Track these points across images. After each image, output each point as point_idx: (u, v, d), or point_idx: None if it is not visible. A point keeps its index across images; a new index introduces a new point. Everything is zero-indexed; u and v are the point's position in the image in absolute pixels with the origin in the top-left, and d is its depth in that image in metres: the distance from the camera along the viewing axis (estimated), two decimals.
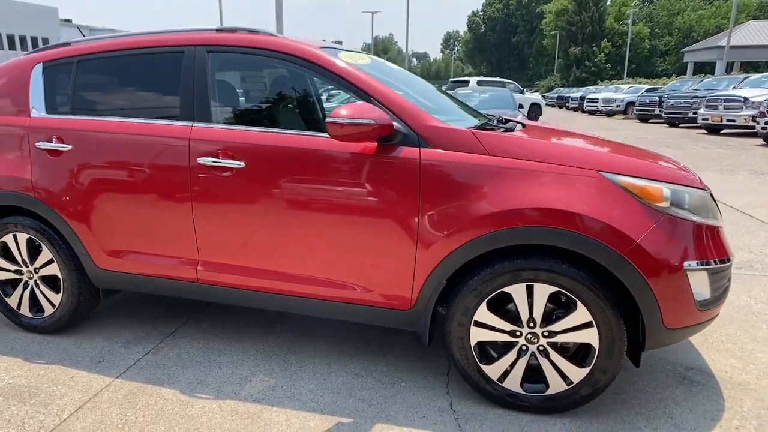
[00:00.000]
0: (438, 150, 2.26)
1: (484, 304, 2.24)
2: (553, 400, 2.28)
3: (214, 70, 2.65)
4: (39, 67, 2.93)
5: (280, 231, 2.47)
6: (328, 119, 2.18)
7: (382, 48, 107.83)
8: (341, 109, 2.18)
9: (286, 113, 2.89)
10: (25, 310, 3.07)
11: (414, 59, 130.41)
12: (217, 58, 2.65)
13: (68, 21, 56.01)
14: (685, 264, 2.09)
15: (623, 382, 2.52)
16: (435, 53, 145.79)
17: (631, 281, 2.07)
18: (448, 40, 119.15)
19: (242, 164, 2.46)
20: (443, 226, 2.21)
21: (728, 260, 2.24)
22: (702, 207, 2.23)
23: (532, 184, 2.16)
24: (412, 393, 2.48)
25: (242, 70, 3.04)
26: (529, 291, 2.18)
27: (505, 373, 2.31)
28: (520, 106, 15.86)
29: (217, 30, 2.73)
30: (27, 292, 3.04)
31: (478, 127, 2.40)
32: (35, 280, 3.02)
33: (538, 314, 2.20)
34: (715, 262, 2.17)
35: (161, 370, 2.68)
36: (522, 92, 20.88)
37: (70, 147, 2.74)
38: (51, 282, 3.00)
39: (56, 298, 2.98)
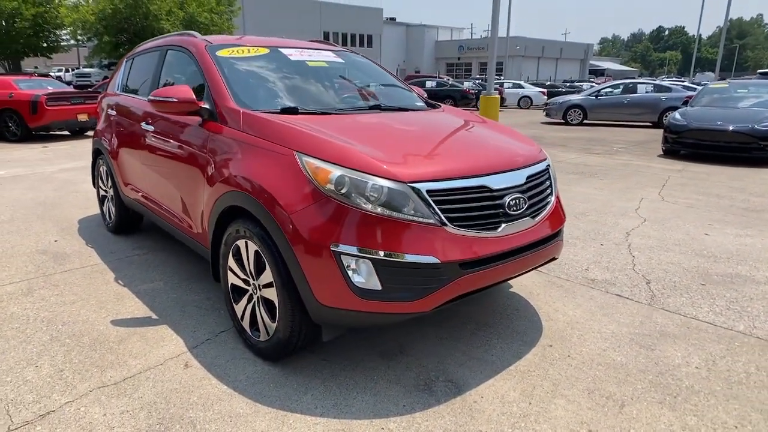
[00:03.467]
0: (221, 125, 2.84)
1: (230, 254, 2.74)
2: (260, 346, 2.64)
3: (166, 58, 3.71)
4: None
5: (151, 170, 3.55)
6: (149, 96, 2.99)
7: (738, 33, 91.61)
8: (160, 89, 2.96)
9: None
10: None
11: None
12: (169, 53, 3.69)
13: (392, 19, 64.89)
14: (334, 246, 2.19)
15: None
16: None
17: (285, 250, 2.32)
18: None
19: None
20: (215, 180, 2.77)
21: (401, 255, 2.18)
22: (391, 201, 2.21)
23: (250, 156, 2.57)
24: (203, 316, 3.13)
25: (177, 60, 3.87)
26: (246, 247, 2.60)
27: (243, 314, 2.76)
28: None
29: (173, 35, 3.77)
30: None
31: (266, 110, 2.83)
32: None
33: (252, 269, 2.61)
34: (378, 253, 2.17)
35: None
36: None
37: None
38: None
39: None
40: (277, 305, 2.43)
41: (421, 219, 2.22)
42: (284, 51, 3.50)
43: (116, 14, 26.04)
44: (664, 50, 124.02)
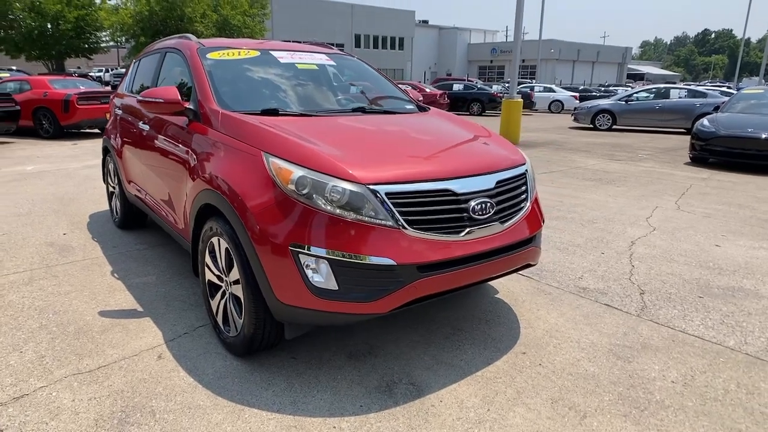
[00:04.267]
0: (203, 125, 2.92)
1: (207, 251, 2.81)
2: (229, 341, 2.70)
3: (164, 61, 3.82)
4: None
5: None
6: (138, 96, 3.09)
7: None
8: (149, 90, 3.07)
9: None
10: None
11: None
12: (167, 56, 3.81)
13: (425, 22, 64.83)
14: (292, 245, 2.23)
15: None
16: None
17: (248, 248, 2.37)
18: None
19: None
20: (195, 178, 2.85)
21: (361, 257, 2.20)
22: (350, 203, 2.23)
23: (225, 156, 2.64)
24: (185, 311, 3.22)
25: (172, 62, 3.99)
26: (219, 244, 2.67)
27: (217, 310, 2.82)
28: None
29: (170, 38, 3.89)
30: None
31: (246, 111, 2.89)
32: None
33: (224, 266, 2.67)
34: (335, 253, 2.20)
35: None
36: None
37: None
38: None
39: None
40: (242, 302, 2.48)
41: (378, 221, 2.24)
42: (275, 53, 3.57)
43: (152, 16, 26.83)
44: (709, 54, 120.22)
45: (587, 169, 9.00)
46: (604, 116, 16.95)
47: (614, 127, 16.96)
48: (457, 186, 2.41)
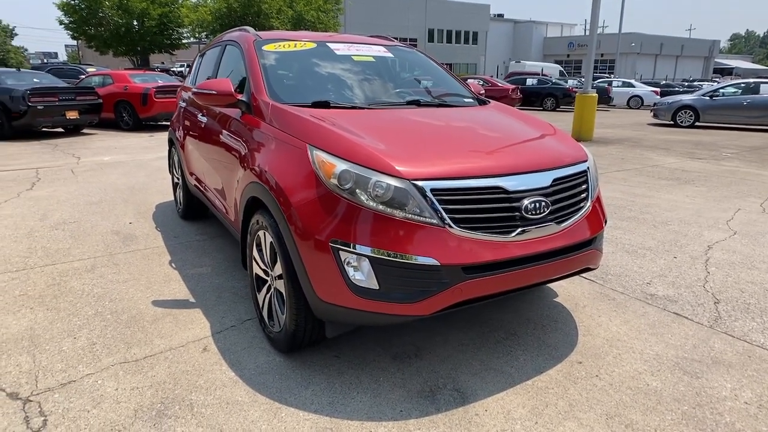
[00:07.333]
0: (255, 117, 2.90)
1: (254, 244, 2.80)
2: (273, 336, 2.67)
3: (224, 53, 3.88)
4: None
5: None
6: (193, 89, 3.12)
7: None
8: (204, 82, 3.09)
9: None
10: None
11: None
12: (227, 48, 3.85)
13: (500, 16, 63.34)
14: (333, 241, 2.15)
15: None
16: None
17: (289, 242, 2.32)
18: None
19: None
20: (245, 170, 2.84)
21: (403, 256, 2.09)
22: (393, 199, 2.13)
23: (272, 148, 2.61)
24: (236, 303, 3.23)
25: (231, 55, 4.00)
26: (264, 238, 2.65)
27: (263, 304, 2.81)
28: None
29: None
30: None
31: (297, 104, 2.85)
32: None
33: (269, 259, 2.64)
34: (377, 251, 2.10)
35: None
36: None
37: None
38: None
39: None
40: (285, 297, 2.45)
41: (423, 218, 2.12)
42: (331, 45, 3.51)
43: (231, 13, 27.79)
44: None
45: (664, 168, 8.43)
46: (686, 112, 15.89)
47: (697, 123, 15.86)
48: (510, 183, 2.25)
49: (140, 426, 2.12)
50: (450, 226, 2.14)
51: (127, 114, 12.50)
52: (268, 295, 2.70)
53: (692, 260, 4.09)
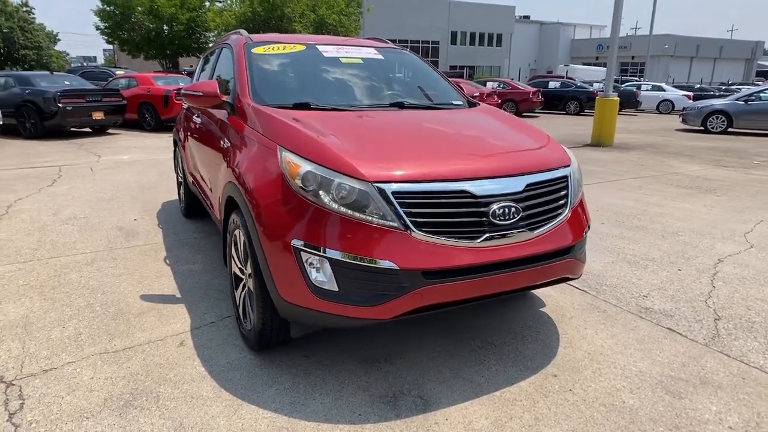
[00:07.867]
0: (237, 118, 2.94)
1: (232, 242, 2.83)
2: (245, 334, 2.69)
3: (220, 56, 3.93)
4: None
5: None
6: (182, 90, 3.18)
7: None
8: (192, 84, 3.14)
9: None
10: None
11: None
12: (222, 51, 3.91)
13: (526, 17, 62.58)
14: (295, 241, 2.15)
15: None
16: None
17: (255, 241, 2.33)
18: None
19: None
20: (226, 170, 2.87)
21: (362, 258, 2.08)
22: (356, 201, 2.12)
23: (249, 149, 2.63)
24: (219, 300, 3.26)
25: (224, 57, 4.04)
26: (239, 237, 2.66)
27: (239, 302, 2.82)
28: None
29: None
30: None
31: (277, 105, 2.87)
32: None
33: (243, 258, 2.66)
34: (336, 253, 2.09)
35: None
36: None
37: None
38: None
39: None
40: (254, 296, 2.46)
41: (383, 222, 2.10)
42: (320, 48, 3.52)
43: (255, 17, 28.18)
44: None
45: (685, 176, 8.18)
46: (717, 117, 15.38)
47: (729, 130, 15.33)
48: (477, 188, 2.21)
49: (107, 414, 2.17)
50: (412, 230, 2.11)
51: (150, 115, 12.82)
52: (243, 293, 2.72)
53: (698, 273, 3.94)
